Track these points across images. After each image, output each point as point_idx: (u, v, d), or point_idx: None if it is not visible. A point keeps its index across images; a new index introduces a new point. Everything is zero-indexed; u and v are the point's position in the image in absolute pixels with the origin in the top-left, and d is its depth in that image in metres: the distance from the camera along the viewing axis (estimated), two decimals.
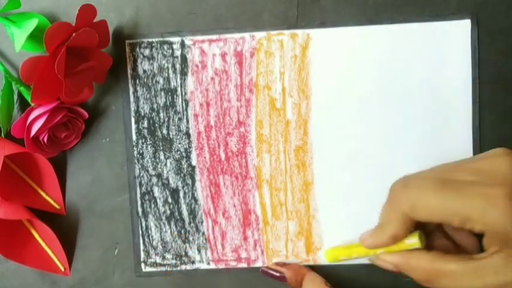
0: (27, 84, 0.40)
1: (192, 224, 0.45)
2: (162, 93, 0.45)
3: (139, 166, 0.45)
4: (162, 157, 0.45)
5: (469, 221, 0.33)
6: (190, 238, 0.45)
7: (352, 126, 0.44)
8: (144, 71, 0.45)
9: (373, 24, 0.43)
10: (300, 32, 0.43)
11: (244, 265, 0.45)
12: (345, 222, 0.44)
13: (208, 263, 0.45)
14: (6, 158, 0.44)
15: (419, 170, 0.44)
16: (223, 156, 0.45)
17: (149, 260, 0.46)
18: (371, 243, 0.38)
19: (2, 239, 0.43)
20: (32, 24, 0.39)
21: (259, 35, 0.44)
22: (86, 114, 0.44)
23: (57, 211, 0.45)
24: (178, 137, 0.45)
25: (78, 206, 0.46)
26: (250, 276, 0.45)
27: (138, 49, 0.44)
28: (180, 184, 0.45)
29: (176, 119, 0.45)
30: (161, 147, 0.45)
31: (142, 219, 0.45)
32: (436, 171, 0.36)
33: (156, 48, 0.44)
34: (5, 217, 0.42)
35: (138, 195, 0.45)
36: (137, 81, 0.45)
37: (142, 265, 0.46)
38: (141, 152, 0.45)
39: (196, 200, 0.45)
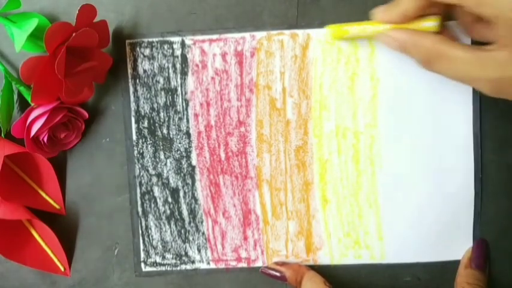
0: (27, 84, 0.40)
1: (192, 224, 0.45)
2: (162, 93, 0.45)
3: (139, 166, 0.45)
4: (162, 157, 0.45)
5: (484, 2, 0.31)
6: (190, 238, 0.45)
7: (352, 125, 0.44)
8: (144, 71, 0.44)
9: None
10: (300, 32, 0.43)
11: (244, 265, 0.45)
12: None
13: (208, 263, 0.45)
14: (6, 158, 0.44)
15: (416, 169, 0.44)
16: (223, 156, 0.45)
17: (149, 260, 0.46)
18: (383, 15, 0.37)
19: (2, 239, 0.43)
20: (32, 24, 0.39)
21: (260, 34, 0.44)
22: (86, 114, 0.44)
23: (57, 211, 0.45)
24: (179, 136, 0.45)
25: (78, 206, 0.46)
26: (250, 276, 0.45)
27: (138, 49, 0.44)
28: (180, 184, 0.45)
29: (176, 119, 0.45)
30: (161, 147, 0.45)
31: (142, 219, 0.45)
32: None
33: (156, 48, 0.44)
34: (5, 217, 0.42)
35: (138, 195, 0.45)
36: (137, 81, 0.45)
37: (142, 265, 0.46)
38: (141, 151, 0.45)
39: (196, 200, 0.45)
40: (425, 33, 0.36)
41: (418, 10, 0.35)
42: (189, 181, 0.45)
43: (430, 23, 0.36)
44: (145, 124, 0.45)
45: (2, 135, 0.43)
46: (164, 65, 0.44)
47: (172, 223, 0.45)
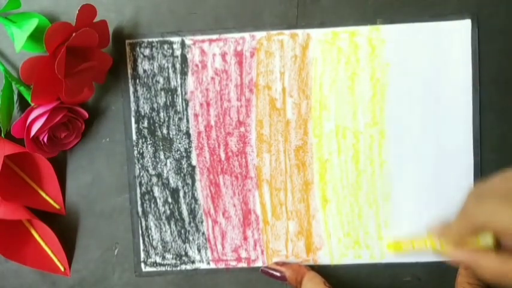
0: (27, 84, 0.40)
1: (192, 224, 0.45)
2: (162, 93, 0.45)
3: (139, 166, 0.45)
4: (162, 157, 0.45)
5: None
6: (190, 238, 0.45)
7: (352, 125, 0.44)
8: (144, 71, 0.44)
9: (373, 24, 0.43)
10: (300, 32, 0.43)
11: (244, 265, 0.45)
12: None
13: (208, 263, 0.45)
14: (6, 158, 0.44)
15: (416, 169, 0.44)
16: (223, 156, 0.45)
17: (149, 260, 0.46)
18: (439, 234, 0.39)
19: (2, 239, 0.43)
20: (32, 24, 0.39)
21: (259, 34, 0.44)
22: (86, 114, 0.44)
23: (57, 211, 0.45)
24: (178, 136, 0.45)
25: (78, 206, 0.46)
26: (250, 276, 0.45)
27: (138, 49, 0.44)
28: (180, 184, 0.45)
29: (176, 119, 0.45)
30: (161, 147, 0.45)
31: (142, 219, 0.45)
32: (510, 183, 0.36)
33: (156, 48, 0.44)
34: (5, 217, 0.42)
35: (138, 195, 0.45)
36: (137, 81, 0.45)
37: (142, 265, 0.46)
38: (141, 151, 0.45)
39: (196, 200, 0.45)
40: (488, 253, 0.36)
41: (471, 232, 0.36)
42: (189, 181, 0.45)
43: (487, 242, 0.37)
44: (145, 124, 0.45)
45: (2, 135, 0.43)
46: (164, 65, 0.44)
47: (172, 223, 0.45)
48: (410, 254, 0.43)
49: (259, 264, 0.45)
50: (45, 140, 0.42)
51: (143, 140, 0.45)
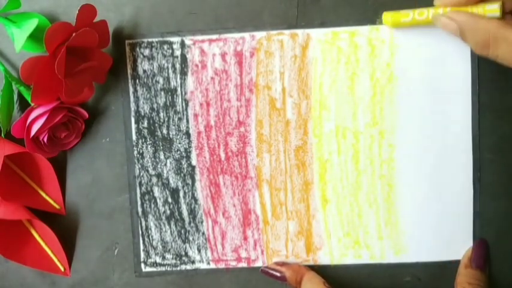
0: (27, 84, 0.40)
1: (192, 224, 0.45)
2: (162, 93, 0.45)
3: (139, 166, 0.45)
4: (162, 157, 0.45)
5: None
6: (190, 238, 0.45)
7: (352, 125, 0.44)
8: (144, 71, 0.45)
9: (373, 24, 0.43)
10: (300, 32, 0.43)
11: (244, 265, 0.45)
12: None
13: (208, 263, 0.45)
14: (6, 158, 0.44)
15: (416, 168, 0.44)
16: (223, 156, 0.45)
17: (149, 260, 0.46)
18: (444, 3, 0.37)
19: (2, 239, 0.43)
20: (32, 24, 0.39)
21: (259, 34, 0.44)
22: (86, 114, 0.44)
23: (57, 211, 0.45)
24: (178, 136, 0.45)
25: (78, 206, 0.46)
26: (250, 276, 0.45)
27: (138, 49, 0.44)
28: (180, 184, 0.45)
29: (176, 119, 0.45)
30: (161, 147, 0.45)
31: (142, 219, 0.45)
32: None
33: (156, 48, 0.44)
34: (5, 217, 0.42)
35: (138, 195, 0.45)
36: (137, 81, 0.45)
37: (142, 265, 0.46)
38: (141, 152, 0.45)
39: (196, 200, 0.45)
40: (486, 18, 0.35)
41: None
42: (189, 181, 0.45)
43: (493, 6, 0.35)
44: (145, 124, 0.45)
45: (2, 135, 0.43)
46: (164, 65, 0.44)
47: (172, 223, 0.45)
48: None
49: (259, 264, 0.45)
50: (45, 140, 0.42)
51: (143, 140, 0.45)
